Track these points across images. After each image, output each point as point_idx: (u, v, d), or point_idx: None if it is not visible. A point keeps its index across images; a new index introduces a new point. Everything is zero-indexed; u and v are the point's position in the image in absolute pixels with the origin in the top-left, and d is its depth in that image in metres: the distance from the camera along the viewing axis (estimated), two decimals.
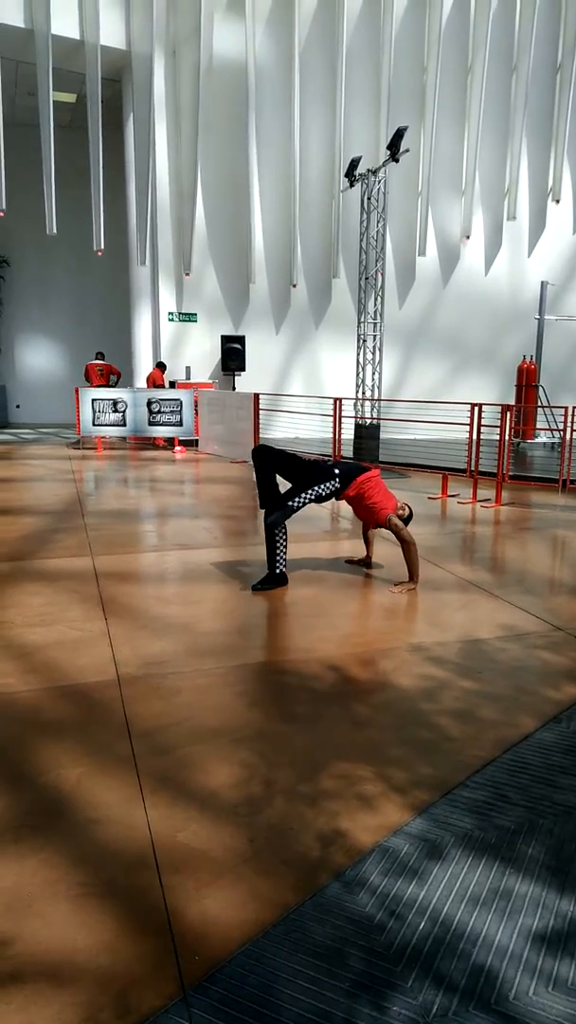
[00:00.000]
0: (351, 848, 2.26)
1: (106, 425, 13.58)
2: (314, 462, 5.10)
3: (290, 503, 4.89)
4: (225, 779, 2.64)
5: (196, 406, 13.56)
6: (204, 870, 2.16)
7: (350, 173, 11.29)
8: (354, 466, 5.20)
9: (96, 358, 14.92)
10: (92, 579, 5.12)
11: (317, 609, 4.61)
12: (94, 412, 13.48)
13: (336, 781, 2.63)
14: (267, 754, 2.81)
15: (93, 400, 13.45)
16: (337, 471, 5.00)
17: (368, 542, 5.64)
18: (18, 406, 18.73)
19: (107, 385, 14.56)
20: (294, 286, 15.84)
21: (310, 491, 4.93)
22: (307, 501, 4.94)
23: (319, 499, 4.98)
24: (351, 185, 11.40)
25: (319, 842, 2.29)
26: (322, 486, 4.94)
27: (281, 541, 4.99)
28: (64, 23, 13.01)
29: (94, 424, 13.50)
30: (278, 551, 4.99)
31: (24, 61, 13.52)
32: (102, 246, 14.23)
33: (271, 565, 5.00)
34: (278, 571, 5.01)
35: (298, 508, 4.94)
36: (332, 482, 4.96)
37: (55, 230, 13.74)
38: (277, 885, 2.10)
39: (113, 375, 15.04)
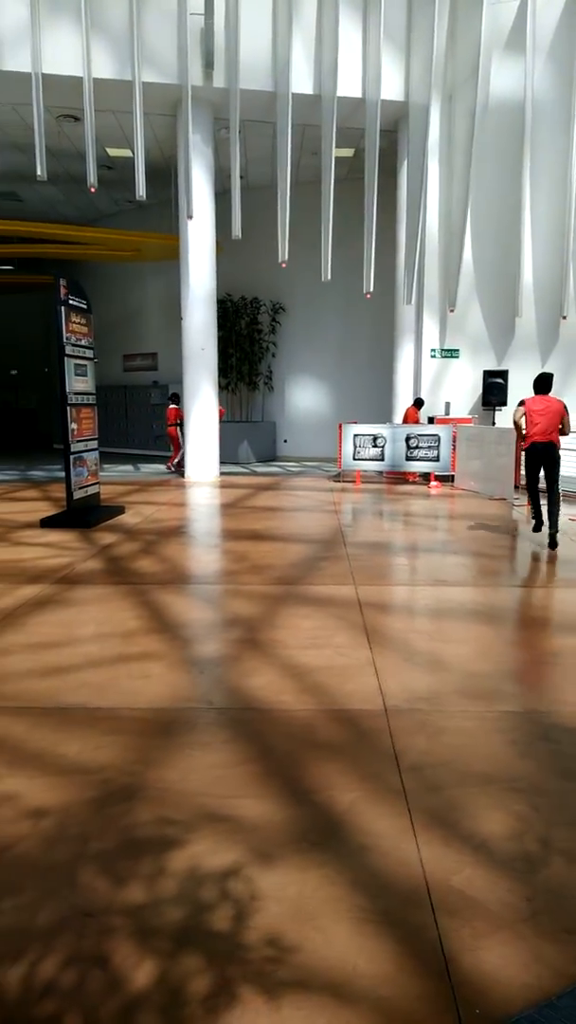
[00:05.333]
0: None
1: (365, 459, 13.99)
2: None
3: None
4: (498, 828, 2.54)
5: (454, 441, 13.43)
6: (480, 920, 2.09)
7: None
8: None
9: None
10: (356, 607, 5.27)
11: None
12: (355, 447, 13.97)
13: None
14: (542, 809, 2.66)
15: (355, 435, 13.95)
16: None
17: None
18: (285, 441, 20.05)
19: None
20: (564, 318, 15.09)
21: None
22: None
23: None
24: None
25: None
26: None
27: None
28: (348, 84, 13.89)
29: (354, 458, 13.98)
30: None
31: (310, 124, 14.64)
32: (371, 289, 14.79)
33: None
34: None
35: None
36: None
37: (329, 276, 14.57)
38: (561, 952, 1.97)
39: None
